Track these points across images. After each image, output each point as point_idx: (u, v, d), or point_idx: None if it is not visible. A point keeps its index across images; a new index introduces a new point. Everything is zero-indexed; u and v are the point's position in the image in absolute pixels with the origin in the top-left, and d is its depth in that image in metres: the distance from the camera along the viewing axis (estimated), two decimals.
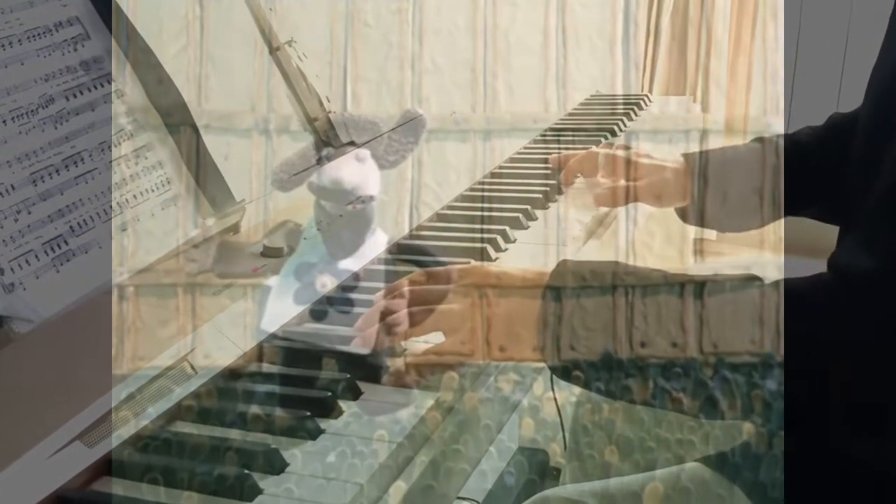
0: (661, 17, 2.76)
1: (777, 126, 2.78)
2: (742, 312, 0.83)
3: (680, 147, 1.54)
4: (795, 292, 0.82)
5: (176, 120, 1.03)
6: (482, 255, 1.19)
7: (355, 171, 1.13)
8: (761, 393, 0.79)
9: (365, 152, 1.16)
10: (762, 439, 0.96)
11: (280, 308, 1.02)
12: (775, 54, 2.81)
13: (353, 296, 1.08)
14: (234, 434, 0.86)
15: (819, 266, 0.86)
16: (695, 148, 1.34)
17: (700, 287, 0.84)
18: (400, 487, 0.80)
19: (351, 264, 1.12)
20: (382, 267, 1.13)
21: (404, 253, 1.17)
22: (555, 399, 1.00)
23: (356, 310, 1.04)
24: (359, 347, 0.93)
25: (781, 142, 1.25)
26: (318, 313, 1.05)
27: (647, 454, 1.16)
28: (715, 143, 1.67)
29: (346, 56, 1.31)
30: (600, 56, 2.02)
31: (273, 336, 0.99)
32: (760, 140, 1.27)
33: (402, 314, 0.91)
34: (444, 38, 1.52)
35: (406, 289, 0.94)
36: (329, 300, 1.07)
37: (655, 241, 1.40)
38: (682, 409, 0.83)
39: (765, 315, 0.81)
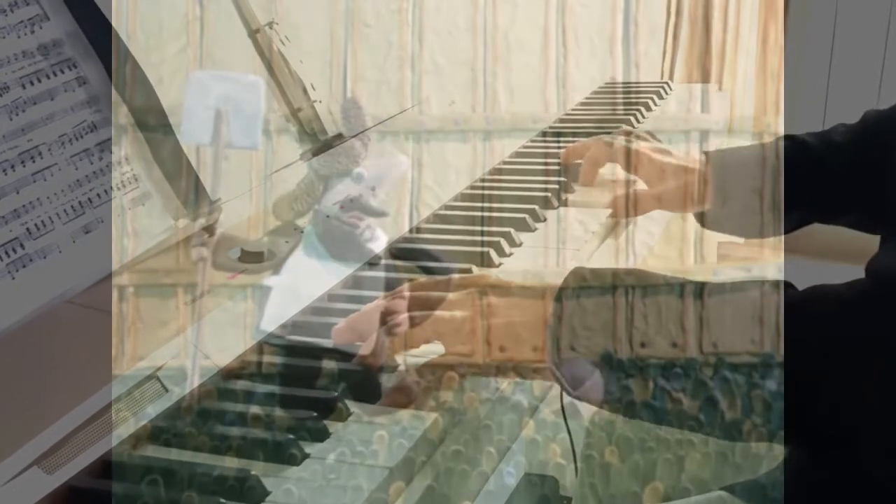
0: None
1: (777, 126, 2.77)
2: (742, 312, 0.82)
3: (680, 147, 1.54)
4: (831, 297, 0.80)
5: (173, 120, 1.01)
6: (483, 260, 1.15)
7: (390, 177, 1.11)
8: (761, 393, 0.79)
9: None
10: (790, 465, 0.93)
11: (279, 308, 1.00)
12: (775, 54, 2.81)
13: (343, 305, 1.04)
14: (211, 459, 0.80)
15: (829, 269, 0.85)
16: (695, 149, 1.32)
17: (700, 287, 0.84)
18: (399, 488, 0.80)
19: (348, 265, 1.10)
20: (382, 273, 1.11)
21: (401, 256, 1.14)
22: (562, 406, 1.00)
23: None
24: (348, 339, 0.91)
25: (785, 142, 1.18)
26: (302, 325, 1.00)
27: (648, 454, 1.16)
28: (715, 143, 1.66)
29: (346, 56, 1.31)
30: (600, 56, 2.02)
31: (255, 348, 0.95)
32: (789, 138, 1.20)
33: (404, 316, 0.90)
34: (444, 38, 1.52)
35: (407, 293, 0.91)
36: (315, 309, 1.04)
37: (655, 241, 1.40)
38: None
39: (765, 315, 0.81)
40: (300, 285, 1.05)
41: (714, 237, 2.78)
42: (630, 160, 1.26)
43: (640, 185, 1.28)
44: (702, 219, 1.24)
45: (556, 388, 0.88)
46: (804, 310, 0.81)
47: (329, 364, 0.92)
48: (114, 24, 0.99)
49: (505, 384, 0.95)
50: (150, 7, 1.05)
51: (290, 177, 1.13)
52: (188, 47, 1.09)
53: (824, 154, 1.17)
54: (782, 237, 1.20)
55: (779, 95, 2.78)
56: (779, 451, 0.80)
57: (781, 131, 1.23)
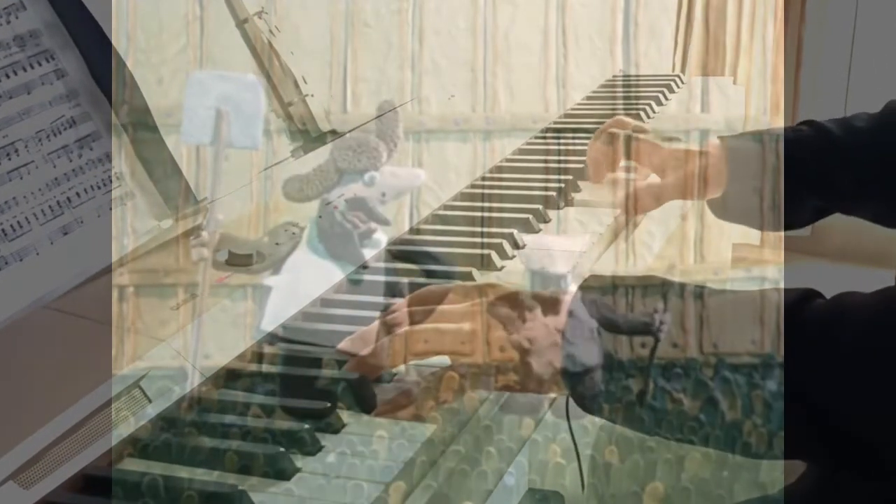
0: None
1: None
2: (742, 312, 0.82)
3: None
4: (860, 307, 0.79)
5: (173, 120, 1.01)
6: (484, 262, 1.13)
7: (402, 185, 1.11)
8: (761, 393, 0.79)
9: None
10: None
11: (277, 309, 1.00)
12: (775, 54, 2.80)
13: (336, 311, 1.03)
14: (195, 473, 0.78)
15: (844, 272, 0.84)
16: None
17: (700, 288, 0.84)
18: (399, 487, 0.80)
19: (347, 265, 1.09)
20: (380, 277, 1.10)
21: (399, 256, 1.13)
22: (567, 412, 1.00)
23: (336, 327, 0.99)
24: (357, 348, 0.91)
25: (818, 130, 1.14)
26: (294, 330, 0.98)
27: (647, 454, 1.16)
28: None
29: (346, 56, 1.31)
30: (600, 56, 2.02)
31: (244, 356, 0.93)
32: (809, 124, 1.17)
33: (402, 313, 0.90)
34: (444, 38, 1.52)
35: (410, 304, 0.90)
36: (308, 315, 1.02)
37: (655, 241, 1.40)
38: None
39: (765, 315, 0.81)
40: (300, 285, 1.04)
41: (720, 237, 2.78)
42: (633, 152, 1.24)
43: (650, 179, 1.26)
44: (715, 208, 1.21)
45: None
46: (833, 320, 0.80)
47: (323, 372, 0.90)
48: (114, 24, 0.98)
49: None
50: (150, 7, 1.05)
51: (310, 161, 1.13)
52: (188, 47, 1.09)
53: (845, 141, 1.14)
54: (782, 235, 1.19)
55: (779, 96, 2.78)
56: (778, 451, 0.80)
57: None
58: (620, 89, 1.86)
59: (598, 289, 0.85)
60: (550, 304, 0.85)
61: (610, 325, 0.83)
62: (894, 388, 0.75)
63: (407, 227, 1.23)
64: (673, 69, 2.60)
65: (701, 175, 1.18)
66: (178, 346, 0.89)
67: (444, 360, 0.89)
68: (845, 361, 0.78)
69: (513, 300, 0.86)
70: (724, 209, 1.21)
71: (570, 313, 0.84)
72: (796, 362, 0.78)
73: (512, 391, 0.88)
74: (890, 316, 0.78)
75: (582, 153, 1.47)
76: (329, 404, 0.85)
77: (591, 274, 0.87)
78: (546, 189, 1.35)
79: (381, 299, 1.05)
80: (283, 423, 0.83)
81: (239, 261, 0.99)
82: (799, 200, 1.15)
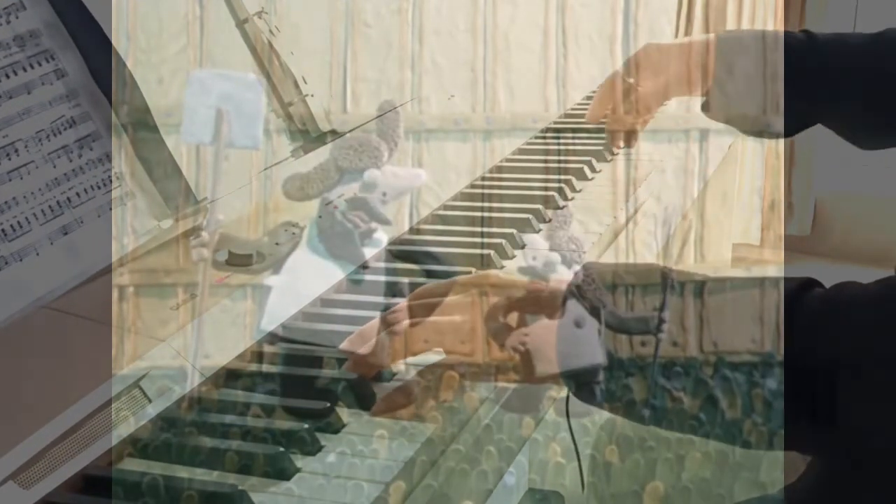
0: None
1: (777, 126, 2.76)
2: (742, 311, 0.82)
3: (680, 147, 1.54)
4: (861, 295, 0.79)
5: (173, 120, 1.01)
6: (484, 262, 1.13)
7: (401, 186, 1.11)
8: (761, 392, 0.79)
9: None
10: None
11: (279, 308, 1.00)
12: (775, 54, 2.80)
13: (336, 310, 1.03)
14: (195, 473, 0.78)
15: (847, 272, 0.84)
16: (695, 148, 1.32)
17: (700, 286, 0.84)
18: (399, 487, 0.80)
19: (347, 265, 1.09)
20: (381, 277, 1.10)
21: (399, 256, 1.14)
22: (567, 410, 1.00)
23: (336, 327, 0.99)
24: (356, 347, 0.91)
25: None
26: (293, 330, 0.98)
27: (647, 454, 1.16)
28: (715, 142, 1.66)
29: (346, 56, 1.31)
30: (600, 56, 2.02)
31: (244, 356, 0.93)
32: (805, 32, 1.18)
33: (403, 313, 0.90)
34: (444, 38, 1.52)
35: (409, 299, 0.90)
36: (307, 315, 1.02)
37: (655, 241, 1.40)
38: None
39: (765, 314, 0.81)
40: (300, 285, 1.04)
41: (720, 237, 2.78)
42: (631, 66, 1.24)
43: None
44: (706, 106, 1.21)
45: (554, 388, 0.87)
46: (834, 308, 0.80)
47: (323, 372, 0.90)
48: (114, 24, 0.98)
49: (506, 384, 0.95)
50: (150, 7, 1.05)
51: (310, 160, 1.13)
52: (188, 47, 1.09)
53: (833, 49, 1.16)
54: (782, 235, 1.19)
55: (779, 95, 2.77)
56: (778, 447, 0.80)
57: (781, 130, 1.21)
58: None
59: (599, 287, 0.85)
60: (551, 302, 0.85)
61: (611, 324, 0.83)
62: (894, 377, 0.76)
63: (407, 227, 1.23)
64: None
65: (696, 66, 1.18)
66: (178, 346, 0.89)
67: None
68: (845, 350, 0.78)
69: (513, 299, 0.87)
70: (709, 105, 1.20)
71: (571, 311, 0.84)
72: (796, 351, 0.78)
73: None
74: (891, 304, 0.78)
75: (582, 153, 1.47)
76: (329, 404, 0.85)
77: (593, 270, 0.87)
78: (546, 189, 1.35)
79: (381, 299, 1.05)
80: (283, 423, 0.83)
81: (239, 261, 0.99)
82: (784, 104, 1.16)
